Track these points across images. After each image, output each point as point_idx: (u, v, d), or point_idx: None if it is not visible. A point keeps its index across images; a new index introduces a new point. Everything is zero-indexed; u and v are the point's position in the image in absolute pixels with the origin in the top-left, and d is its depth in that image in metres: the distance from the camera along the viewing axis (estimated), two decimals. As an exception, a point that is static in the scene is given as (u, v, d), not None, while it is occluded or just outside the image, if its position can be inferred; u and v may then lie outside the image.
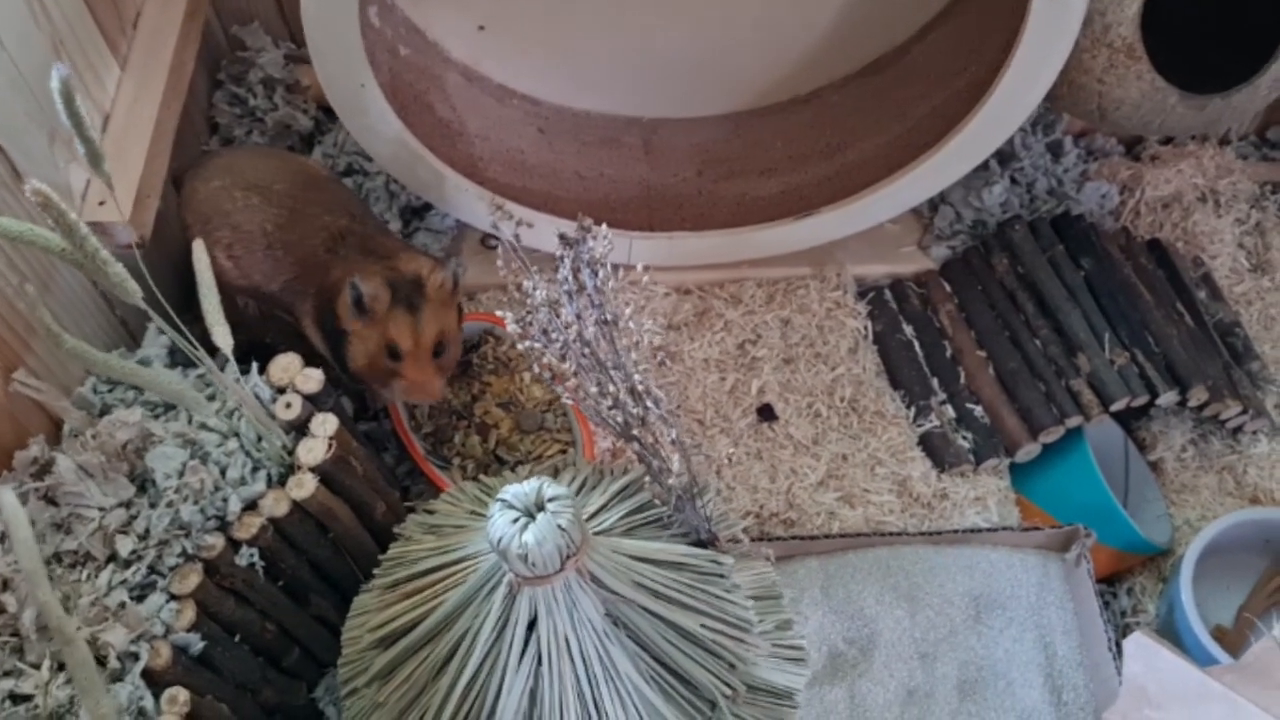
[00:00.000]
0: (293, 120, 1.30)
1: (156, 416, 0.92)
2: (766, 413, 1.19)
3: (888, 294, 1.29)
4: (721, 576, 0.84)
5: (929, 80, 1.24)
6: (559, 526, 0.72)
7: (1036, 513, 1.18)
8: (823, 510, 1.12)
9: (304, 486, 0.89)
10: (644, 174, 1.30)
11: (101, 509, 0.86)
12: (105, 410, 0.92)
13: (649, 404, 0.82)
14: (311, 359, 0.95)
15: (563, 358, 0.81)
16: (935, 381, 1.22)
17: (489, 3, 1.20)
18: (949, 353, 1.23)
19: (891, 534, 1.09)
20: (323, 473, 0.90)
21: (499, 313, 1.12)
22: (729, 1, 1.21)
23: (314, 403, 0.93)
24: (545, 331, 0.81)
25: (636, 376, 0.82)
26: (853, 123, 1.28)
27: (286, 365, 0.94)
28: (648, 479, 0.83)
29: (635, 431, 0.80)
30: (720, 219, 1.26)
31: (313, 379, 0.93)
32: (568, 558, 0.73)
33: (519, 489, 0.74)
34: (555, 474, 0.93)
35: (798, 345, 1.24)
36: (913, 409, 1.20)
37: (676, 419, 1.12)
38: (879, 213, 1.22)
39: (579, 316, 0.82)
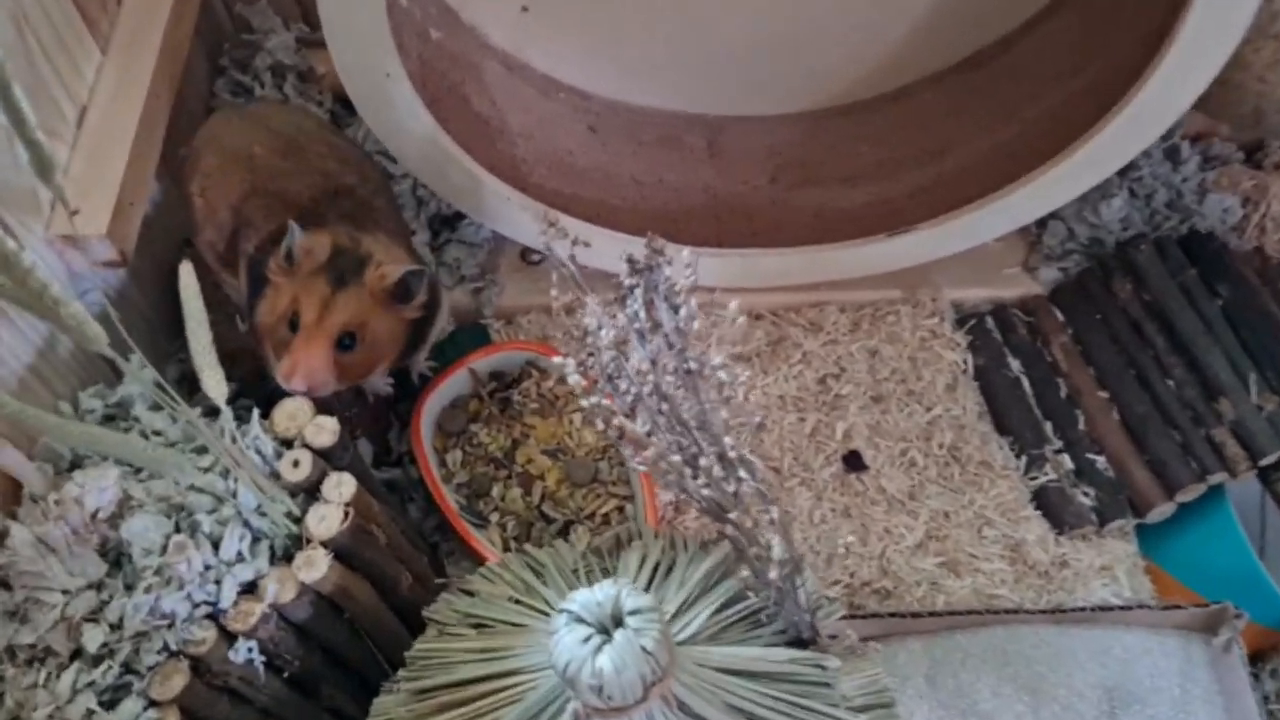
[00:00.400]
0: (306, 114, 1.14)
1: (137, 472, 0.76)
2: (854, 461, 1.02)
3: (990, 322, 1.12)
4: (826, 686, 0.68)
5: (1040, 79, 1.06)
6: (643, 649, 0.56)
7: (1166, 580, 1.02)
8: (923, 579, 0.95)
9: (315, 566, 0.73)
10: (709, 180, 1.14)
11: (66, 592, 0.70)
12: (75, 464, 0.77)
13: (742, 473, 0.66)
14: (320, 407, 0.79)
15: (631, 412, 0.65)
16: (1049, 426, 1.05)
17: (534, -21, 1.04)
18: (1064, 392, 1.06)
19: (1007, 611, 0.92)
20: (338, 547, 0.74)
21: (558, 359, 0.94)
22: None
23: (327, 459, 0.77)
24: (611, 378, 0.65)
25: (728, 440, 0.66)
26: (951, 125, 1.10)
27: (294, 412, 0.78)
28: (743, 569, 0.67)
29: (732, 515, 0.64)
30: (797, 233, 1.09)
31: (326, 430, 0.77)
32: (651, 685, 0.57)
33: (589, 597, 0.57)
34: (617, 546, 0.77)
35: (888, 381, 1.07)
36: (1024, 459, 1.03)
37: (775, 490, 0.95)
38: (986, 230, 1.04)
39: (654, 363, 0.66)
